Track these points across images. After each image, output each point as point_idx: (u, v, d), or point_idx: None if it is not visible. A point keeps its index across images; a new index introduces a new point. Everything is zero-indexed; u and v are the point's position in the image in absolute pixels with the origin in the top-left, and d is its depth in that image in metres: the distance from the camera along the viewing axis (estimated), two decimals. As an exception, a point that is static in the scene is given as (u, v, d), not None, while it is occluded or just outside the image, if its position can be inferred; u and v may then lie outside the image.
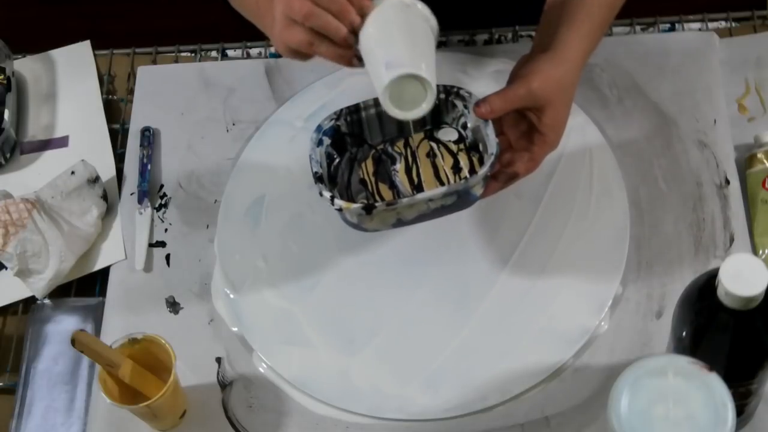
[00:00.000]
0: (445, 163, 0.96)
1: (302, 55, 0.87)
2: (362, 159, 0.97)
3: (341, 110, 0.95)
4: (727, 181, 1.06)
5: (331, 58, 0.86)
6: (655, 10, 1.20)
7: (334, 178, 0.95)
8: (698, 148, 1.08)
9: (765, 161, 1.04)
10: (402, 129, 0.97)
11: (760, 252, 1.02)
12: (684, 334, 0.84)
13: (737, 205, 1.04)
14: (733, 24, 1.18)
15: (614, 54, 1.15)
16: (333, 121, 0.95)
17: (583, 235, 1.03)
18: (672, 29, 1.19)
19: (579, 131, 1.09)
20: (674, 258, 1.02)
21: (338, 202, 0.89)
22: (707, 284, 0.80)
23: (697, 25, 1.19)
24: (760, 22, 1.18)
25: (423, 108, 0.85)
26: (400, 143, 0.98)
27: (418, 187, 0.95)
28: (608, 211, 1.04)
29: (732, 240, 1.02)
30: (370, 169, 0.97)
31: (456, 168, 0.95)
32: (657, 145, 1.09)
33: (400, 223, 0.92)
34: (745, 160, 1.06)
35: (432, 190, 0.90)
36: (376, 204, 0.89)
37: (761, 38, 1.16)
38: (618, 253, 1.02)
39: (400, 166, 0.96)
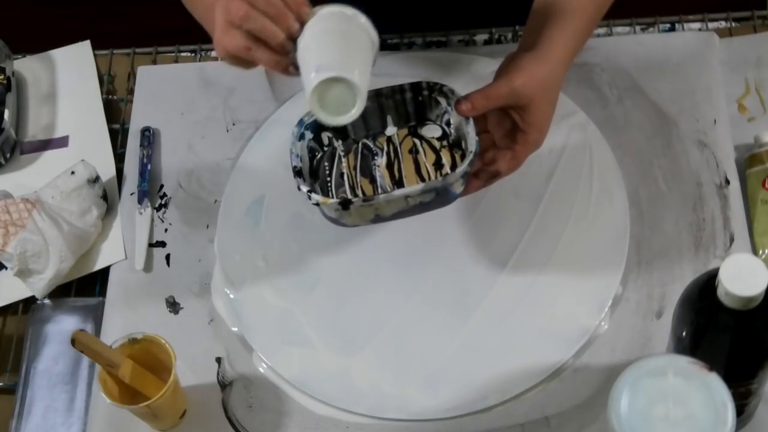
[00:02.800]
0: (427, 160, 0.96)
1: (241, 61, 0.87)
2: (344, 153, 0.97)
3: None
4: (727, 181, 1.06)
5: (268, 64, 0.85)
6: (655, 10, 1.20)
7: (316, 172, 0.96)
8: (698, 148, 1.08)
9: (765, 161, 1.04)
10: (385, 125, 0.97)
11: (760, 252, 1.02)
12: (684, 334, 0.84)
13: (737, 205, 1.04)
14: (733, 24, 1.18)
15: (614, 54, 1.15)
16: (315, 116, 0.95)
17: (583, 235, 1.03)
18: (672, 29, 1.19)
19: (579, 131, 1.09)
20: (674, 258, 1.02)
21: (315, 197, 0.89)
22: (707, 284, 0.80)
23: (697, 25, 1.19)
24: (760, 22, 1.18)
25: (351, 114, 0.84)
26: (383, 138, 0.98)
27: (399, 183, 0.95)
28: (608, 211, 1.04)
29: (732, 240, 1.02)
30: (352, 163, 0.97)
31: (438, 165, 0.95)
32: (657, 145, 1.09)
33: (378, 219, 0.92)
34: (745, 160, 1.06)
35: (410, 187, 0.90)
36: (353, 199, 0.89)
37: (761, 38, 1.16)
38: (618, 253, 1.02)
39: (381, 161, 0.96)
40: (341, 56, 0.83)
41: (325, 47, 0.84)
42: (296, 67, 0.85)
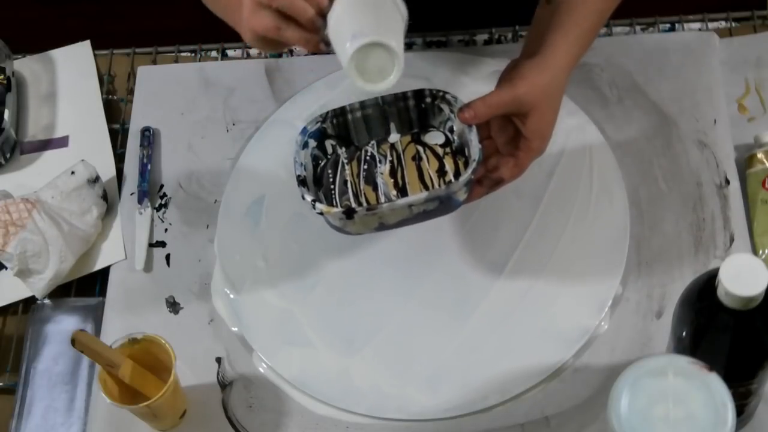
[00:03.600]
0: (431, 167, 0.96)
1: (271, 43, 0.86)
2: (348, 161, 0.97)
3: (327, 113, 0.95)
4: (727, 181, 1.06)
5: (298, 42, 0.85)
6: (655, 10, 1.20)
7: (320, 179, 0.96)
8: (698, 148, 1.08)
9: (765, 161, 1.04)
10: (389, 132, 0.97)
11: (760, 252, 1.02)
12: (684, 334, 0.84)
13: (737, 205, 1.04)
14: (733, 24, 1.18)
15: (614, 54, 1.15)
16: (319, 124, 0.95)
17: (583, 235, 1.03)
18: (672, 29, 1.19)
19: (579, 131, 1.09)
20: (674, 258, 1.02)
21: (319, 206, 0.89)
22: (707, 284, 0.80)
23: (697, 25, 1.19)
24: (760, 22, 1.18)
25: (390, 80, 0.84)
26: (386, 146, 0.98)
27: (402, 190, 0.95)
28: (608, 211, 1.04)
29: (732, 240, 1.02)
30: (355, 170, 0.97)
31: (441, 172, 0.95)
32: (657, 145, 1.09)
33: (382, 227, 0.92)
34: (745, 160, 1.06)
35: (413, 196, 0.90)
36: (357, 209, 0.89)
37: (761, 38, 1.16)
38: (618, 253, 1.02)
39: (385, 169, 0.96)
40: (376, 23, 0.83)
41: (358, 17, 0.84)
42: (327, 44, 0.85)
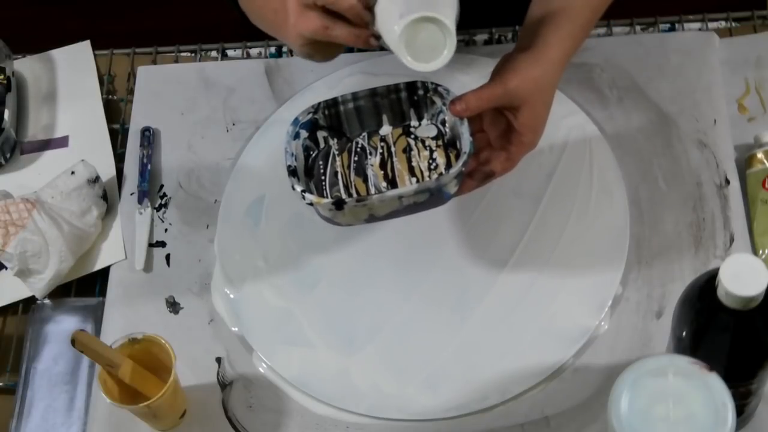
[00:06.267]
0: (421, 159, 0.95)
1: (319, 47, 0.86)
2: (339, 152, 0.97)
3: (319, 104, 0.95)
4: (727, 181, 1.06)
5: (348, 39, 0.84)
6: (655, 10, 1.20)
7: (311, 170, 0.95)
8: (698, 148, 1.08)
9: (765, 161, 1.04)
10: (381, 123, 0.97)
11: (760, 252, 1.02)
12: (684, 334, 0.84)
13: (737, 205, 1.04)
14: (733, 24, 1.18)
15: (614, 54, 1.15)
16: (310, 115, 0.95)
17: (583, 235, 1.03)
18: (672, 29, 1.19)
19: (579, 131, 1.09)
20: (674, 258, 1.02)
21: (309, 196, 0.89)
22: (707, 284, 0.80)
23: (697, 25, 1.19)
24: (760, 22, 1.18)
25: (445, 55, 0.82)
26: (377, 138, 0.97)
27: (392, 182, 0.94)
28: (608, 211, 1.04)
29: (732, 240, 1.02)
30: (346, 162, 0.96)
31: (432, 164, 0.95)
32: (657, 144, 1.09)
33: (372, 218, 0.91)
34: (745, 160, 1.06)
35: (403, 188, 0.90)
36: (347, 200, 0.89)
37: (761, 38, 1.16)
38: (618, 252, 1.02)
39: (375, 161, 0.96)
40: (425, 1, 0.82)
41: (405, 0, 0.82)
42: (377, 38, 0.84)
